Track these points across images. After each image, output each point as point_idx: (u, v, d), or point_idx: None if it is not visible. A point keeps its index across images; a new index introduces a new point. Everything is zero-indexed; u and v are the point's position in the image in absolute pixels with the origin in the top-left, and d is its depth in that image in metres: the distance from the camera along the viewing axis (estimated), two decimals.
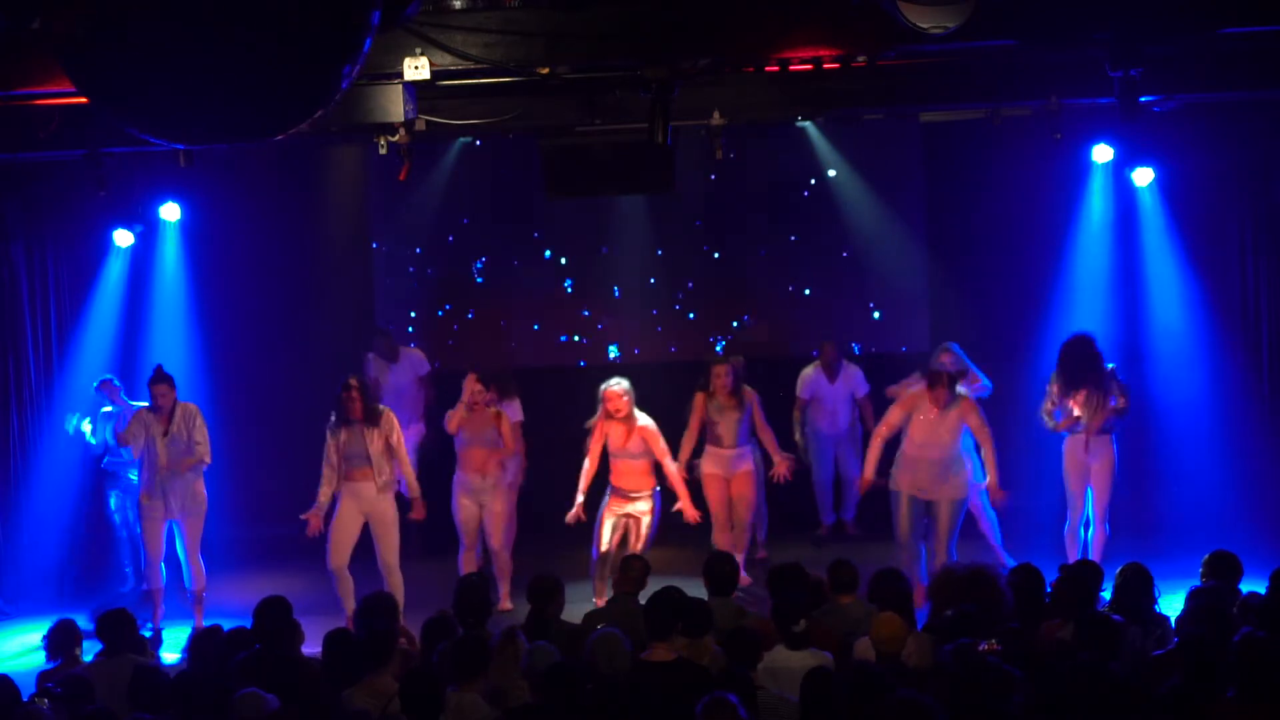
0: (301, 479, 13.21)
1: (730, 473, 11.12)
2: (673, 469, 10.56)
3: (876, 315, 13.71)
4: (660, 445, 10.51)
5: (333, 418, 10.34)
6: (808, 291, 13.74)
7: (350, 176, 13.63)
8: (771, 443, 11.20)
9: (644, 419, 10.52)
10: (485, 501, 10.81)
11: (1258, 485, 11.97)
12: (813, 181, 13.48)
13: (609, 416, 10.48)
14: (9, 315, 12.12)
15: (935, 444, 10.32)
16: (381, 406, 10.51)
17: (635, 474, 10.56)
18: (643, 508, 10.56)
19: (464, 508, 10.87)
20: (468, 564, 10.83)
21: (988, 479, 10.39)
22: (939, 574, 7.95)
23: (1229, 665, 6.49)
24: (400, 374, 12.67)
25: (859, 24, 8.03)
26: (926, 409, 10.37)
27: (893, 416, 10.51)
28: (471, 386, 10.66)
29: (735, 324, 13.76)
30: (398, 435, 10.40)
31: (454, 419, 10.73)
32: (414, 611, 8.52)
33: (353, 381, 10.29)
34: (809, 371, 12.33)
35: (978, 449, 10.48)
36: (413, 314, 14.01)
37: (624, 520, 10.60)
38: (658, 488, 10.66)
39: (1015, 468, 11.79)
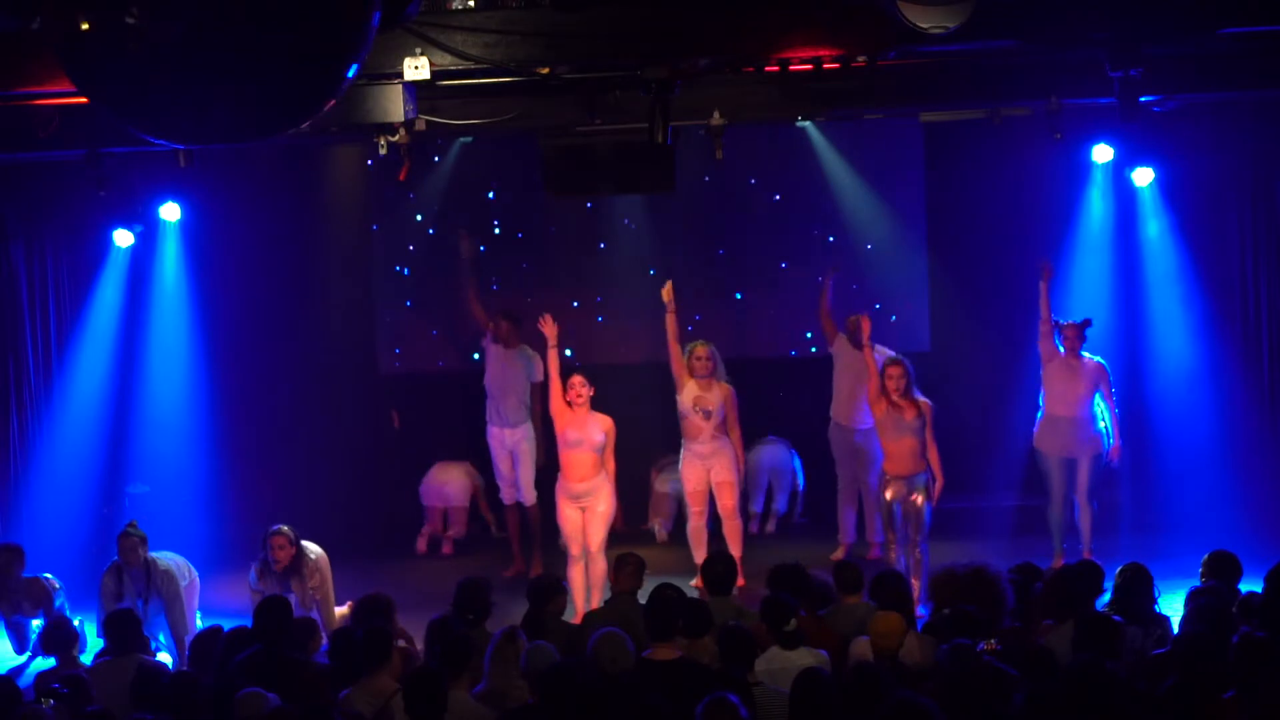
0: (301, 478, 13.28)
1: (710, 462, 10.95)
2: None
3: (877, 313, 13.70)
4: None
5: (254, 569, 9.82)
6: (807, 292, 13.72)
7: (350, 176, 13.63)
8: (738, 443, 11.03)
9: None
10: (587, 504, 10.42)
11: (1258, 485, 11.96)
12: (812, 181, 13.47)
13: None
14: (9, 315, 12.10)
15: (1073, 400, 10.90)
16: (312, 555, 9.85)
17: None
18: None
19: (568, 517, 10.47)
20: (577, 578, 10.35)
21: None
22: (940, 573, 7.96)
23: (1229, 665, 6.50)
24: (514, 367, 11.78)
25: (859, 24, 8.03)
26: (1061, 359, 10.94)
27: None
28: (577, 386, 10.36)
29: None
30: (326, 587, 9.91)
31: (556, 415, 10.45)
32: (416, 612, 8.51)
33: (283, 528, 9.72)
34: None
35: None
36: (412, 313, 14.01)
37: None
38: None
39: (1015, 468, 11.81)
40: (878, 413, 10.36)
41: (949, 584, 7.80)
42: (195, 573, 10.27)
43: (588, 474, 10.39)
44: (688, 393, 10.76)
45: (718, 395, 10.77)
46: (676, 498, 12.49)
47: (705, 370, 10.75)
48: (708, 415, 10.75)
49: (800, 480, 13.01)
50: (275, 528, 9.71)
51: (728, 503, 10.84)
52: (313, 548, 9.87)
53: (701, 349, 10.80)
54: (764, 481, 12.76)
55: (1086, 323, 11.02)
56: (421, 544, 12.85)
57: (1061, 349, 10.96)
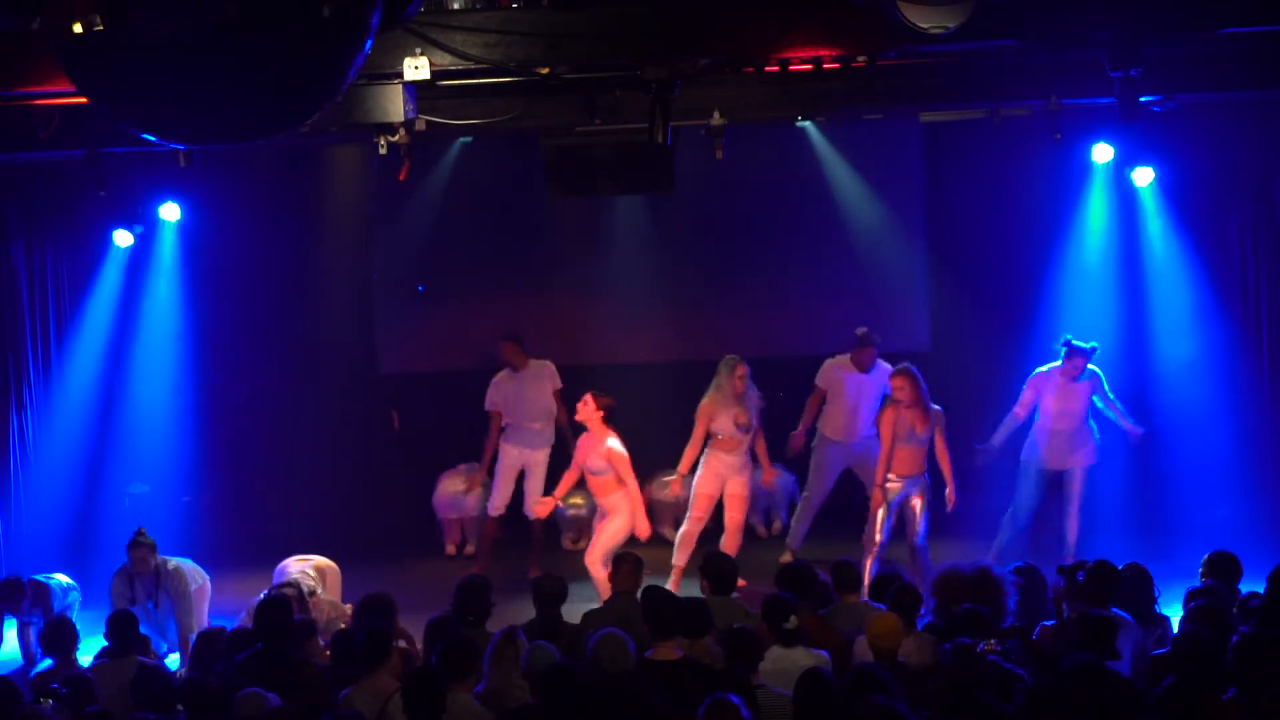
0: (299, 479, 13.29)
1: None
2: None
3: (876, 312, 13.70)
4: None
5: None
6: (808, 291, 13.73)
7: (350, 176, 13.62)
8: (764, 451, 11.23)
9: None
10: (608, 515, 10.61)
11: (1259, 484, 11.95)
12: (812, 182, 13.46)
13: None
14: (9, 315, 12.09)
15: (1069, 414, 10.93)
16: (320, 591, 9.46)
17: None
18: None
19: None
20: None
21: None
22: (945, 573, 7.97)
23: (1228, 665, 6.50)
24: (531, 383, 11.86)
25: (859, 24, 8.03)
26: (1058, 382, 10.92)
27: (1026, 397, 11.06)
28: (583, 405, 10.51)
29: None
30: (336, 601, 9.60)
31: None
32: (416, 612, 8.51)
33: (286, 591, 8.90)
34: (835, 360, 11.67)
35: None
36: (412, 314, 14.01)
37: None
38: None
39: (1013, 467, 11.79)
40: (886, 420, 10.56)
41: (954, 583, 7.82)
42: (206, 578, 10.18)
43: (603, 491, 10.56)
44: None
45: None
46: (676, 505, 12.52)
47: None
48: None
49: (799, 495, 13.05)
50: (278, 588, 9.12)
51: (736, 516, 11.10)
52: (311, 571, 9.57)
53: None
54: (763, 506, 12.85)
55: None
56: (450, 548, 12.84)
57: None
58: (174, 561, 9.88)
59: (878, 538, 10.43)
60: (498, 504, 11.84)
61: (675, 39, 8.16)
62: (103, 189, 9.74)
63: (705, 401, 10.95)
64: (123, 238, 11.61)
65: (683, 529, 11.08)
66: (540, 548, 11.83)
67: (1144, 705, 6.56)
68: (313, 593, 9.32)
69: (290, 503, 13.18)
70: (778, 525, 12.94)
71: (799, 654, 7.14)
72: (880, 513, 10.47)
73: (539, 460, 11.83)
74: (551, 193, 10.21)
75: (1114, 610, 7.47)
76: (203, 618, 10.00)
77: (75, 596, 10.15)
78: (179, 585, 9.74)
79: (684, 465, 11.00)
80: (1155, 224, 12.29)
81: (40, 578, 10.09)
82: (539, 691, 6.50)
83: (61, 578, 10.21)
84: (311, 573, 9.60)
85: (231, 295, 13.19)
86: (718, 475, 10.99)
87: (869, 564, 10.24)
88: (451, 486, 12.79)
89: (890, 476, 10.47)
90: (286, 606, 7.85)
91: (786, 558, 11.25)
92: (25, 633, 10.04)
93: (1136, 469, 12.04)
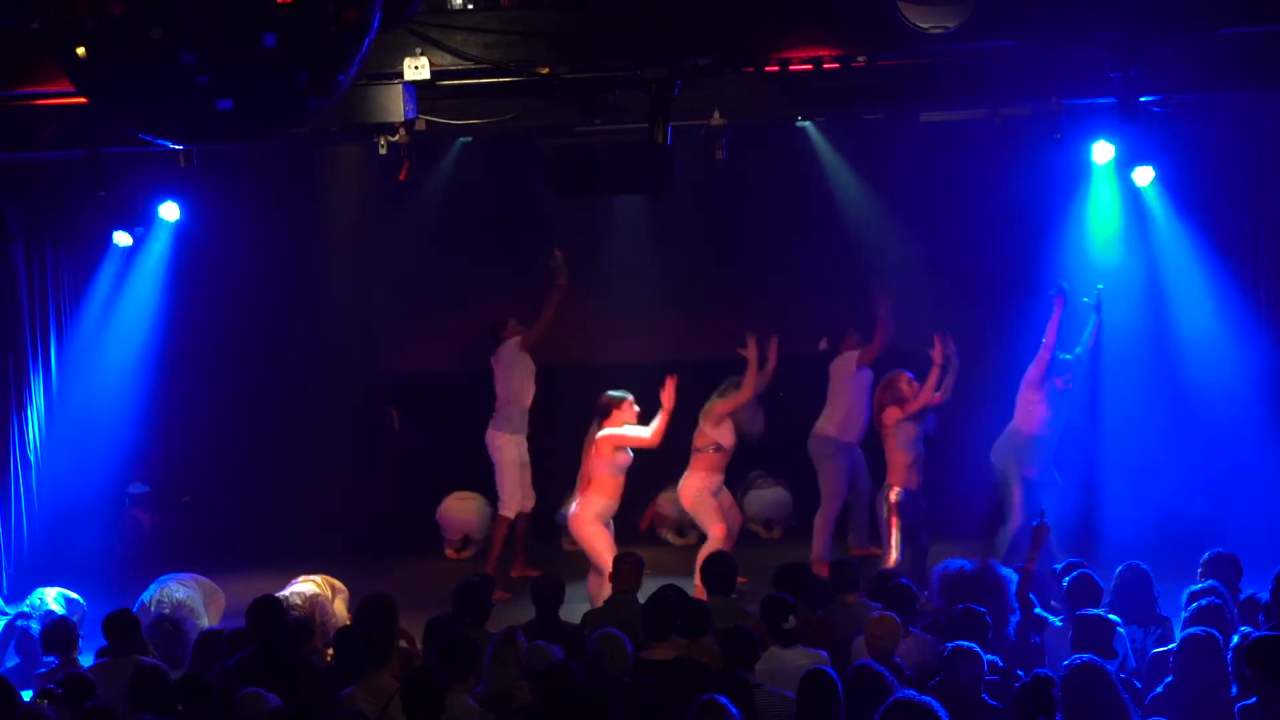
0: (299, 479, 13.28)
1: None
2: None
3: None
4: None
5: None
6: (807, 291, 13.73)
7: (350, 176, 13.62)
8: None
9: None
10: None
11: (1262, 484, 11.94)
12: (813, 182, 13.46)
13: None
14: (9, 315, 12.10)
15: (1060, 421, 11.28)
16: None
17: None
18: None
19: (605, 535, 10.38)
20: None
21: None
22: (952, 572, 7.98)
23: (1228, 665, 6.51)
24: (529, 369, 12.03)
25: (859, 24, 8.04)
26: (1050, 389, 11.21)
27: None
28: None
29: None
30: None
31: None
32: (416, 612, 8.51)
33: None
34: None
35: None
36: (412, 314, 14.01)
37: None
38: None
39: None
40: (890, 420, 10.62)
41: (960, 582, 7.83)
42: (218, 591, 9.97)
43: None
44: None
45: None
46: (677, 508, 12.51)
47: None
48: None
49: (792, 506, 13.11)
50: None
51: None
52: (319, 579, 9.38)
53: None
54: (763, 518, 12.90)
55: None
56: (450, 551, 12.85)
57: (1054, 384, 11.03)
58: (186, 602, 9.52)
59: (894, 555, 10.41)
60: (516, 502, 11.68)
61: (675, 39, 8.17)
62: (103, 189, 9.74)
63: (720, 402, 10.91)
64: (122, 238, 11.60)
65: (706, 549, 10.62)
66: (524, 546, 11.79)
67: (1144, 705, 6.57)
68: (317, 595, 9.28)
69: (290, 503, 13.17)
70: (778, 531, 12.96)
71: (797, 654, 7.15)
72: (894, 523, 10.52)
73: (526, 448, 11.83)
74: (552, 193, 10.21)
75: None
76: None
77: (82, 607, 10.05)
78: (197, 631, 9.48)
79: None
80: (1155, 224, 12.28)
81: (56, 613, 9.64)
82: (539, 691, 6.50)
83: (63, 596, 10.07)
84: (320, 580, 9.54)
85: (231, 295, 13.18)
86: (711, 491, 10.94)
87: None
88: (460, 513, 12.77)
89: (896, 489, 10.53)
90: (278, 605, 7.84)
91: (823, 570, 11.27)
92: (26, 634, 9.99)
93: (1140, 467, 12.05)
